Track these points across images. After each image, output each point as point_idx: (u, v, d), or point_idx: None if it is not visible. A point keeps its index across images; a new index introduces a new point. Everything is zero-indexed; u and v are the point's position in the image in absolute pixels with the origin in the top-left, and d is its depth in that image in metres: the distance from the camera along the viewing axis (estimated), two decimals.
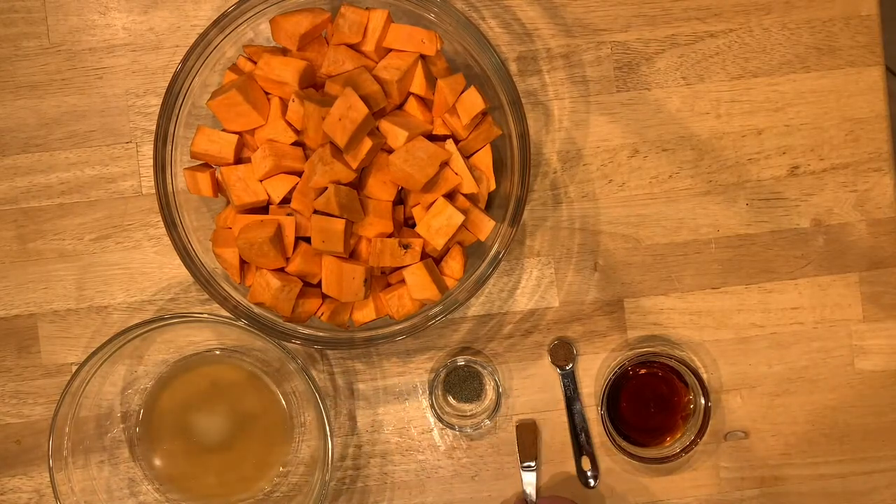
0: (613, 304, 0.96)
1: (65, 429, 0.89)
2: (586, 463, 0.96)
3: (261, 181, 0.85)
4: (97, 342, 0.92)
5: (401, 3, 0.86)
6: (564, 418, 0.96)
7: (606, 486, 0.97)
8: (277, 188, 0.85)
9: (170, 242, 0.86)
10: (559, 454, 0.97)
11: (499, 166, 0.90)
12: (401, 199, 0.88)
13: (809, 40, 0.96)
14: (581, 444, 0.96)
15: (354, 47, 0.86)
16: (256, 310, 0.87)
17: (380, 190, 0.86)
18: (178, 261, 0.86)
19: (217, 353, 0.95)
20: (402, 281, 0.86)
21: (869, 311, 0.97)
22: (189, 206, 0.88)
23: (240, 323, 0.86)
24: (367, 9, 0.85)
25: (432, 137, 0.87)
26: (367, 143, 0.82)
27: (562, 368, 0.95)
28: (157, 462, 0.95)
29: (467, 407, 0.97)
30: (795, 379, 0.97)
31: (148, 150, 0.95)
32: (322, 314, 0.88)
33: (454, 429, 0.95)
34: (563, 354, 0.95)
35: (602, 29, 0.95)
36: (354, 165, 0.83)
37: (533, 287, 0.96)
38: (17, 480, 0.95)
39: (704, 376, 0.95)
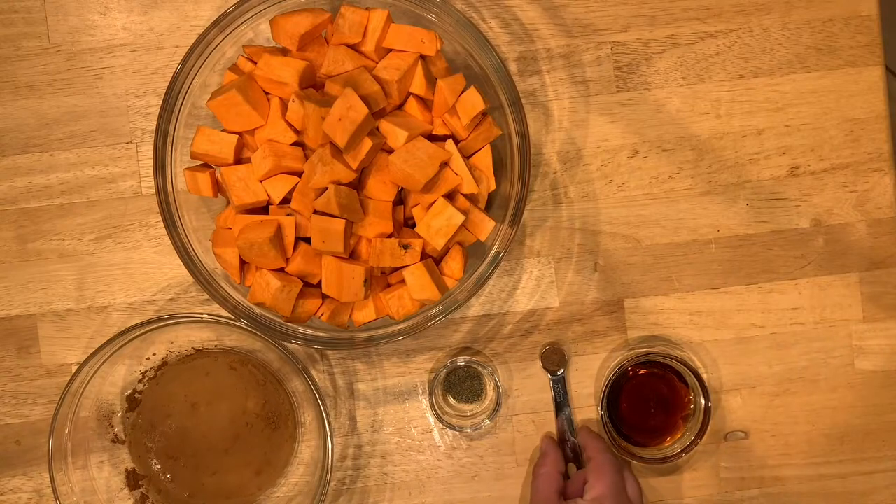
0: (613, 304, 0.96)
1: (65, 429, 0.89)
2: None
3: (261, 181, 0.85)
4: (97, 342, 0.92)
5: (401, 3, 0.86)
6: None
7: None
8: (277, 188, 0.85)
9: (170, 242, 0.86)
10: None
11: (499, 166, 0.89)
12: (401, 199, 0.88)
13: (809, 40, 0.96)
14: (566, 452, 0.95)
15: (354, 47, 0.86)
16: (256, 310, 0.87)
17: (380, 190, 0.86)
18: (178, 261, 0.86)
19: (217, 353, 0.95)
20: (402, 281, 0.86)
21: (869, 312, 0.97)
22: (189, 206, 0.88)
23: (240, 323, 0.86)
24: (367, 9, 0.85)
25: (432, 137, 0.87)
26: (367, 143, 0.82)
27: (553, 374, 0.95)
28: (157, 462, 0.95)
29: (467, 407, 0.97)
30: (795, 379, 0.97)
31: (148, 150, 0.95)
32: (322, 314, 0.88)
33: (454, 429, 0.95)
34: (556, 360, 0.95)
35: (602, 29, 0.95)
36: (354, 165, 0.83)
37: (533, 287, 0.96)
38: (17, 480, 0.95)
39: (704, 376, 0.95)
